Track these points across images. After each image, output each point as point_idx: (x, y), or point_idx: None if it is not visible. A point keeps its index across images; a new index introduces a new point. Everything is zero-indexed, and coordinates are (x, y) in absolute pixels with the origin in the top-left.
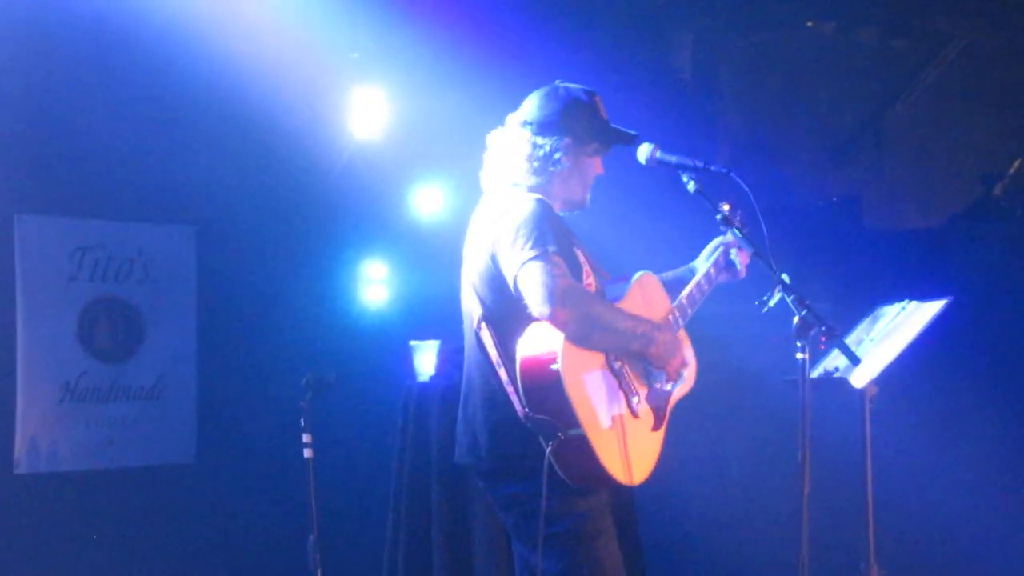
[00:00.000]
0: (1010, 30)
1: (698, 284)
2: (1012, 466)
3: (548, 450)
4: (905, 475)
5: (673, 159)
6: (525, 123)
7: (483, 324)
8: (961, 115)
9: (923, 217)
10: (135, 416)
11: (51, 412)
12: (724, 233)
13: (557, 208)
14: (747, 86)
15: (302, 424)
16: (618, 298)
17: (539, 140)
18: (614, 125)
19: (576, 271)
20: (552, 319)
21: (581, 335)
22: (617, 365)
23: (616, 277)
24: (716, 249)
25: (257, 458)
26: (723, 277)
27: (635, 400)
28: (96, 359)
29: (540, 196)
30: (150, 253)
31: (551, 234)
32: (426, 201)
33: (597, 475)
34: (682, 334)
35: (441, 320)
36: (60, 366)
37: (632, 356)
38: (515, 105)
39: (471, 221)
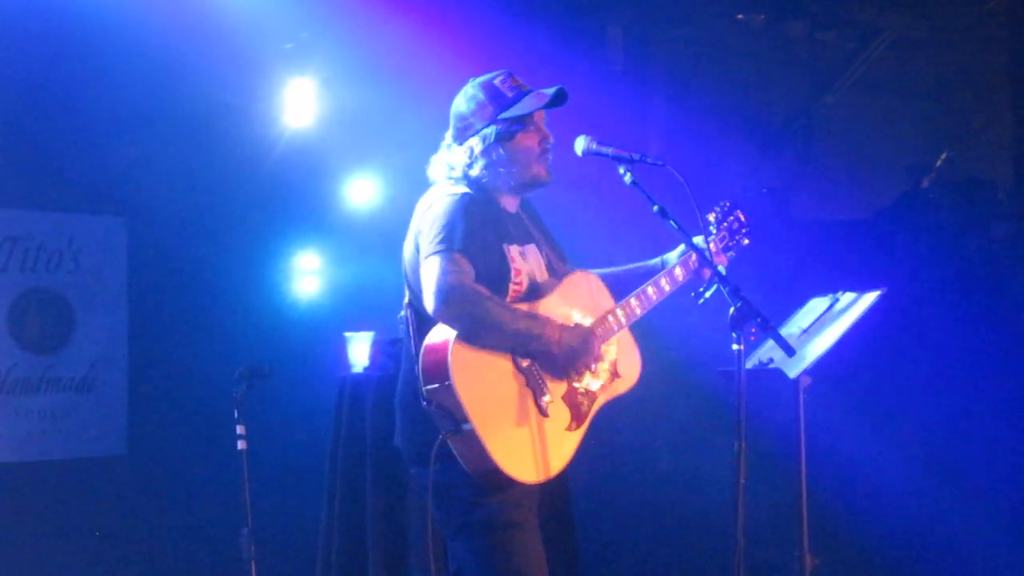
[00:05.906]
0: (937, 23)
1: (656, 283)
2: (942, 455)
3: (441, 436)
4: (839, 465)
5: (609, 151)
6: (447, 136)
7: (408, 309)
8: (889, 108)
9: (851, 208)
10: (66, 408)
11: None
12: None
13: (508, 196)
14: (678, 78)
15: (235, 415)
16: (541, 297)
17: (457, 148)
18: (531, 93)
19: (498, 270)
20: (438, 316)
21: (470, 333)
22: (524, 364)
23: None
24: (687, 252)
25: (190, 450)
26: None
27: (545, 399)
28: (26, 351)
29: (464, 191)
30: (80, 244)
31: (460, 232)
32: (359, 191)
33: (493, 471)
34: (625, 334)
35: (375, 311)
36: None
37: (538, 355)
38: (447, 96)
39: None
